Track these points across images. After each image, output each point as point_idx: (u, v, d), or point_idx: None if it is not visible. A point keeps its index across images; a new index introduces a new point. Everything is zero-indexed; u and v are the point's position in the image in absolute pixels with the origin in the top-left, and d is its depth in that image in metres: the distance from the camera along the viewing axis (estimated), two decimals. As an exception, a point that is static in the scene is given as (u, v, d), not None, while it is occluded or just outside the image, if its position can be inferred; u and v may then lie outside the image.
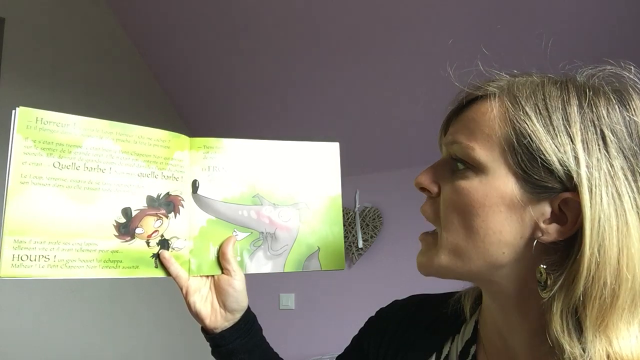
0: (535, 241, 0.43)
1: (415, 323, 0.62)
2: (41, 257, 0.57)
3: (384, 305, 0.68)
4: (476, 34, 1.83)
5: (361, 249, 2.54)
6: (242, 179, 0.69)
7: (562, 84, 0.44)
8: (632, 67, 0.45)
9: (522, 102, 0.43)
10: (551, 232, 0.42)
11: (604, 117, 0.41)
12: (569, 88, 0.44)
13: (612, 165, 0.40)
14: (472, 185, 0.44)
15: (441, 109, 0.51)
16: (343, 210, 2.59)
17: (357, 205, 2.61)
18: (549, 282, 0.42)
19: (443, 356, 0.56)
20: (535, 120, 0.42)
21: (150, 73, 2.58)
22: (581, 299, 0.40)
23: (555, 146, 0.41)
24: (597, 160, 0.40)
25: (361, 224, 2.57)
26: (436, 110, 0.53)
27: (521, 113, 0.43)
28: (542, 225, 0.42)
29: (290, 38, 2.17)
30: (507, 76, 0.48)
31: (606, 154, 0.40)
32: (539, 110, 0.42)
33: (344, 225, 2.57)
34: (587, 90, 0.43)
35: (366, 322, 0.69)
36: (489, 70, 0.49)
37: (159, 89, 2.64)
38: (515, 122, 0.43)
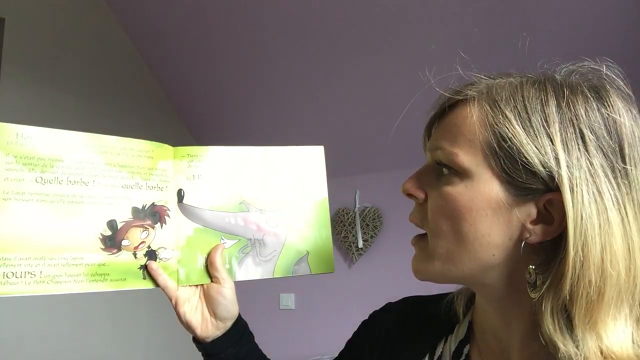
0: (524, 242, 0.43)
1: (409, 325, 0.61)
2: (27, 273, 0.57)
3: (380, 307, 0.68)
4: (470, 32, 1.83)
5: (361, 249, 2.54)
6: (228, 187, 0.69)
7: (540, 84, 0.44)
8: (609, 63, 0.45)
9: (502, 106, 0.43)
10: (538, 232, 0.43)
11: (582, 116, 0.41)
12: (547, 88, 0.43)
13: (591, 164, 0.40)
14: (457, 190, 0.45)
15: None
16: (343, 211, 2.61)
17: (357, 205, 2.61)
18: (538, 282, 0.42)
19: (436, 357, 0.56)
20: (515, 124, 0.42)
21: (150, 73, 2.58)
22: (568, 297, 0.40)
23: (536, 148, 0.41)
24: (577, 159, 0.40)
25: (361, 224, 2.57)
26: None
27: (501, 117, 0.43)
28: (529, 226, 0.43)
29: (289, 38, 2.17)
30: (487, 78, 0.47)
31: (585, 152, 0.41)
32: (519, 113, 0.43)
33: (344, 226, 2.59)
34: (565, 89, 0.43)
35: (360, 326, 0.68)
36: (467, 74, 0.49)
37: (159, 89, 2.64)
38: (495, 126, 0.43)
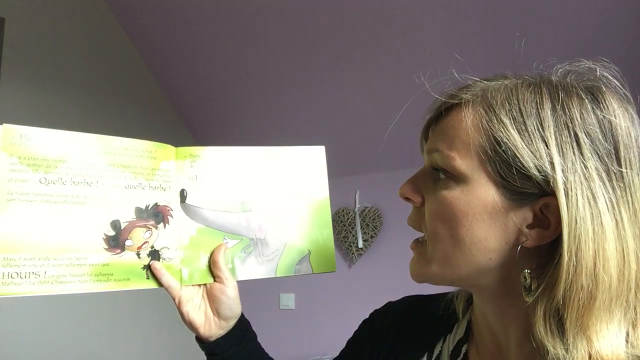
0: (520, 246, 0.43)
1: (408, 324, 0.62)
2: (31, 273, 0.57)
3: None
4: (469, 33, 1.84)
5: (361, 249, 2.54)
6: (230, 187, 0.69)
7: (535, 86, 0.44)
8: (606, 63, 0.45)
9: (497, 110, 0.43)
10: (534, 236, 0.43)
11: (577, 119, 0.41)
12: (542, 91, 0.43)
13: (586, 167, 0.40)
14: (454, 195, 0.44)
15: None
16: (343, 211, 2.61)
17: (357, 205, 2.61)
18: (532, 286, 0.42)
19: (434, 356, 0.56)
20: (510, 128, 0.42)
21: (151, 73, 2.58)
22: (561, 301, 0.40)
23: (532, 152, 0.41)
24: (572, 163, 0.40)
25: (361, 224, 2.57)
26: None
27: (496, 121, 0.43)
28: (525, 230, 0.43)
29: (290, 38, 2.18)
30: (482, 81, 0.47)
31: (580, 156, 0.40)
32: (513, 117, 0.42)
33: (344, 226, 2.60)
34: (560, 91, 0.43)
35: (360, 325, 0.69)
36: (463, 77, 0.49)
37: (159, 89, 2.64)
38: (490, 130, 0.43)
